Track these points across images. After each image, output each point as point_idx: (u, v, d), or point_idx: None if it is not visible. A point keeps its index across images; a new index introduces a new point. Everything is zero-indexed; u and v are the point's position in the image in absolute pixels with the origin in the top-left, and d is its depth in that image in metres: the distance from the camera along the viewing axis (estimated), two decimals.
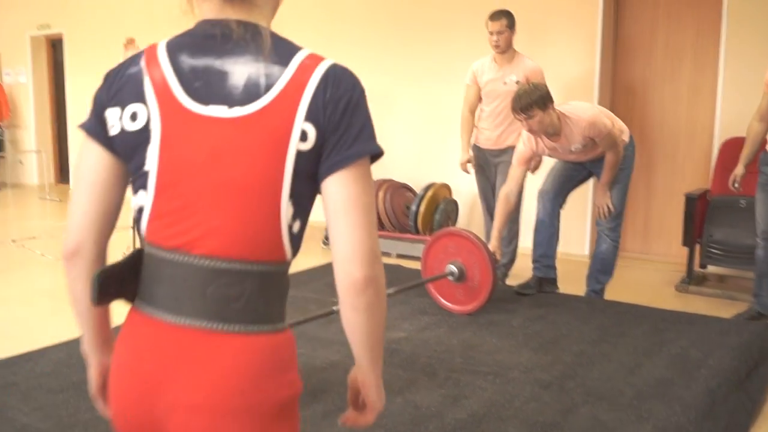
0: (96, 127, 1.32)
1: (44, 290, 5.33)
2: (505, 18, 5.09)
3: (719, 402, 3.13)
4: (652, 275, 5.81)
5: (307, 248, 6.20)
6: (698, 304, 4.95)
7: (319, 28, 7.66)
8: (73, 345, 3.85)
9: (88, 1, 9.89)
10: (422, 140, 7.04)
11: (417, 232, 6.18)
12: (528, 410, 3.04)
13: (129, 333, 1.33)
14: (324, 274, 5.34)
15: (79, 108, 10.27)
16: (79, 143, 1.39)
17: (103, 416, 1.49)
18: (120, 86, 1.29)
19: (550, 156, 4.67)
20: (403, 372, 3.45)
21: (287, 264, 1.33)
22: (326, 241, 6.64)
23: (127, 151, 1.27)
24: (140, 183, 1.27)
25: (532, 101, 4.14)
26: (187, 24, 1.38)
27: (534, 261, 4.89)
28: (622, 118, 6.25)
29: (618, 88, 6.27)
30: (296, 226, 1.30)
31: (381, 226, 6.38)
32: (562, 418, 2.96)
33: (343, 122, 1.22)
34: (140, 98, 1.26)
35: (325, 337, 3.78)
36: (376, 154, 1.26)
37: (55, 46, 11.09)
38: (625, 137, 4.56)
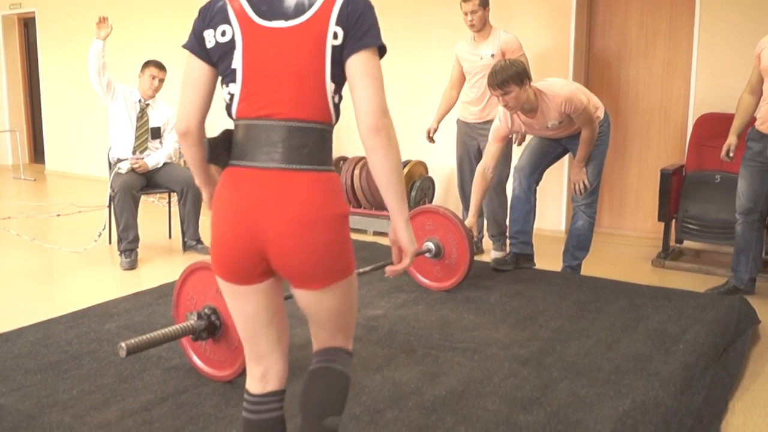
0: (196, 46, 1.92)
1: (20, 270, 5.27)
2: None
3: (697, 377, 3.13)
4: (629, 250, 5.83)
5: None
6: (675, 279, 4.98)
7: None
8: (49, 325, 3.82)
9: None
10: (398, 118, 6.86)
11: None
12: (506, 386, 3.01)
13: (231, 180, 1.90)
14: None
15: (52, 87, 10.11)
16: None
17: None
18: (212, 15, 1.88)
19: (526, 133, 4.65)
20: (381, 349, 3.42)
21: (332, 126, 1.93)
22: None
23: (219, 57, 1.88)
24: (230, 78, 1.89)
25: (508, 77, 4.10)
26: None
27: (510, 237, 4.88)
28: (597, 93, 6.22)
29: (593, 62, 6.26)
30: (337, 98, 1.90)
31: (357, 203, 6.33)
32: (541, 394, 2.94)
33: (358, 23, 1.84)
34: (226, 21, 1.86)
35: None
36: (381, 47, 1.89)
37: (27, 25, 10.92)
38: (600, 113, 4.53)
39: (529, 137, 4.94)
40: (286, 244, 1.84)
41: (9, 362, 3.31)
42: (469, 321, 3.82)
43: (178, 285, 3.21)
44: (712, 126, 4.81)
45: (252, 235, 1.85)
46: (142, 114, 5.63)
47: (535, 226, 6.29)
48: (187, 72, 1.97)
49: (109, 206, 5.64)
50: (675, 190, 5.26)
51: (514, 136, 5.20)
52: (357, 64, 1.85)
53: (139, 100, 5.64)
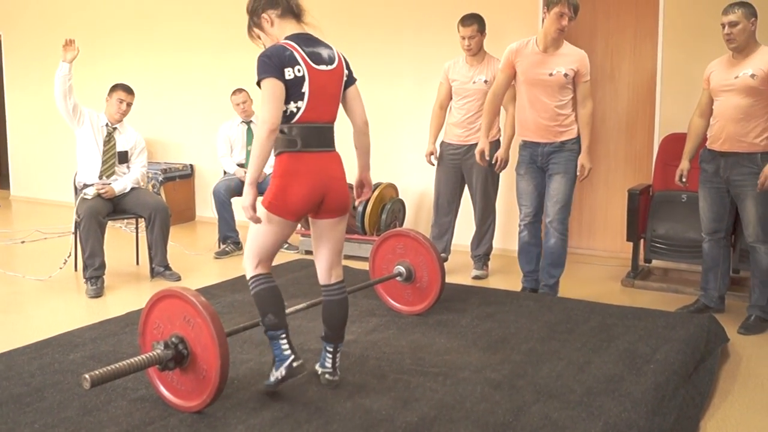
0: (279, 75, 2.93)
1: None
2: (476, 23, 5.35)
3: (668, 396, 3.14)
4: (598, 271, 5.85)
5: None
6: (644, 299, 5.00)
7: None
8: (12, 356, 3.72)
9: (26, 3, 9.61)
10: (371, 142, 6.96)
11: (364, 232, 6.12)
12: (479, 411, 2.99)
13: (302, 159, 3.03)
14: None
15: (17, 110, 9.94)
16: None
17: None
18: (287, 59, 2.96)
19: (522, 78, 4.70)
20: (352, 376, 3.38)
21: None
22: None
23: (292, 85, 2.96)
24: (299, 97, 2.98)
25: (578, 5, 4.49)
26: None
27: (524, 276, 5.02)
28: None
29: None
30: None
31: None
32: (514, 418, 2.93)
33: (350, 68, 3.22)
34: (298, 63, 2.97)
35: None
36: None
37: None
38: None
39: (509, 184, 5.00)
40: (338, 189, 3.13)
41: None
42: (440, 345, 3.80)
43: (144, 313, 3.15)
44: (678, 146, 4.86)
45: (322, 187, 3.06)
46: (110, 138, 5.56)
47: (505, 246, 6.37)
48: (273, 91, 2.93)
49: (75, 232, 5.55)
50: (642, 210, 5.30)
51: (497, 163, 5.27)
52: (354, 90, 3.23)
53: (107, 124, 5.57)
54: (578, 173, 4.66)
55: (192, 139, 8.31)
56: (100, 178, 5.50)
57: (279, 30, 3.09)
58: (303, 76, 2.96)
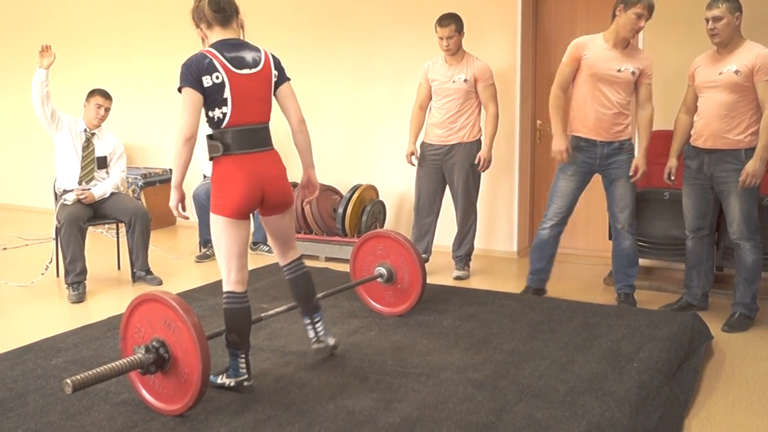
0: (196, 85, 3.02)
1: None
2: (453, 23, 5.31)
3: (652, 395, 3.14)
4: (580, 270, 5.86)
5: None
6: None
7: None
8: None
9: (2, 10, 9.55)
10: (347, 142, 6.96)
11: (345, 234, 6.11)
12: (462, 411, 2.99)
13: (238, 161, 3.12)
14: (252, 279, 5.18)
15: None
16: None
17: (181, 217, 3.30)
18: (205, 67, 3.04)
19: (589, 72, 4.60)
20: (334, 377, 3.37)
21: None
22: (253, 246, 6.51)
23: (213, 92, 3.04)
24: (221, 103, 3.06)
25: (653, 5, 4.46)
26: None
27: (531, 273, 4.94)
28: (546, 111, 6.24)
29: (540, 80, 6.33)
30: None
31: (308, 229, 6.28)
32: (497, 418, 2.92)
33: (280, 67, 3.30)
34: (216, 70, 3.04)
35: (254, 344, 3.66)
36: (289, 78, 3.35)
37: None
38: None
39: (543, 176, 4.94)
40: (277, 187, 3.22)
41: None
42: (422, 346, 3.79)
43: (124, 318, 3.14)
44: (660, 143, 4.86)
45: (260, 186, 3.14)
46: (88, 144, 5.53)
47: (486, 247, 6.37)
48: (189, 100, 3.04)
49: (56, 238, 5.51)
50: None
51: (482, 162, 5.27)
52: (285, 89, 3.33)
53: (85, 130, 5.54)
54: (630, 173, 4.62)
55: (171, 144, 8.23)
56: (80, 183, 5.47)
57: (212, 40, 3.21)
58: (222, 82, 3.04)
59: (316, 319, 3.53)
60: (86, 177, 5.50)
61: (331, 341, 3.56)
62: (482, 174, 5.55)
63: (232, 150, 3.10)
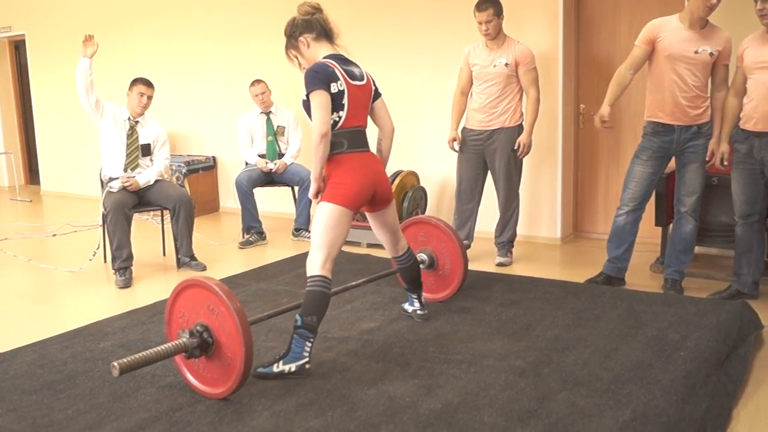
0: (327, 87, 3.29)
1: (17, 291, 5.25)
2: (492, 7, 5.24)
3: (699, 384, 3.08)
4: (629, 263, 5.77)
5: (277, 240, 6.18)
6: None
7: (282, 19, 7.53)
8: (45, 345, 3.82)
9: (48, 2, 9.71)
10: None
11: None
12: (503, 398, 2.97)
13: (354, 158, 3.43)
14: (294, 265, 5.26)
15: (44, 108, 10.08)
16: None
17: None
18: (331, 75, 3.34)
19: (665, 54, 4.51)
20: (376, 363, 3.38)
21: None
22: (296, 233, 6.54)
23: (336, 98, 3.34)
24: (339, 108, 3.36)
25: None
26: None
27: (609, 260, 4.88)
28: (588, 98, 6.25)
29: (583, 63, 6.23)
30: None
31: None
32: (539, 405, 2.90)
33: (376, 84, 3.68)
34: (339, 78, 3.36)
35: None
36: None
37: (18, 47, 10.91)
38: None
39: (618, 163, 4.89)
40: (385, 182, 3.58)
41: (5, 383, 3.31)
42: (464, 332, 3.78)
43: (169, 303, 3.18)
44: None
45: (373, 180, 3.47)
46: (132, 132, 5.59)
47: (529, 233, 6.32)
48: (322, 101, 3.29)
49: (103, 225, 5.60)
50: (671, 194, 5.20)
51: (521, 147, 5.23)
52: (380, 102, 3.69)
53: (128, 118, 5.60)
54: (707, 157, 4.54)
55: (213, 131, 8.34)
56: (125, 171, 5.54)
57: (314, 51, 3.49)
58: (344, 90, 3.37)
59: (420, 295, 4.00)
60: (131, 164, 5.57)
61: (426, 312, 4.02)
62: (524, 159, 5.49)
63: (346, 148, 3.40)
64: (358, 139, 3.46)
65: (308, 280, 3.29)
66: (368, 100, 3.56)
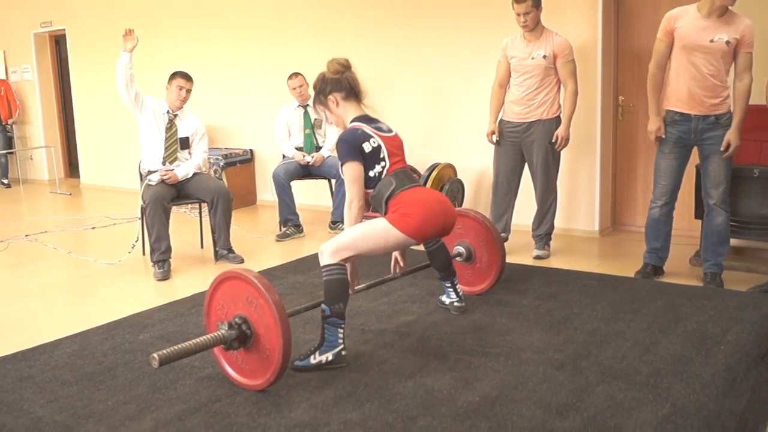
0: (358, 156, 3.40)
1: (57, 283, 5.32)
2: None
3: (740, 379, 3.04)
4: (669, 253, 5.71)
5: (314, 232, 6.20)
6: None
7: (319, 13, 7.57)
8: (85, 336, 3.88)
9: None
10: (426, 121, 6.94)
11: None
12: (541, 391, 2.96)
13: (410, 193, 3.42)
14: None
15: (84, 102, 10.24)
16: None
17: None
18: (361, 136, 3.42)
19: (681, 43, 4.50)
20: (413, 356, 3.38)
21: None
22: (332, 225, 6.57)
23: (373, 154, 3.43)
24: (380, 161, 3.44)
25: None
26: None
27: (649, 251, 4.89)
28: (627, 88, 6.18)
29: (623, 55, 6.17)
30: None
31: None
32: (577, 399, 2.88)
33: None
34: (371, 137, 3.43)
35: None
36: None
37: (58, 42, 11.09)
38: None
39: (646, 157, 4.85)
40: (449, 209, 3.52)
41: (46, 374, 3.35)
42: (501, 325, 3.77)
43: (208, 295, 3.21)
44: (748, 118, 4.68)
45: (438, 209, 3.43)
46: (171, 125, 5.65)
47: (566, 226, 6.28)
48: (353, 173, 3.40)
49: (141, 218, 5.66)
50: None
51: (558, 140, 5.20)
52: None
53: (168, 111, 5.66)
54: (722, 148, 4.49)
55: (251, 124, 8.40)
56: (164, 164, 5.60)
57: (342, 110, 3.54)
58: (379, 146, 3.44)
59: (455, 282, 3.99)
60: (170, 157, 5.62)
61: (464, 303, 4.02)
62: (562, 151, 5.45)
63: (398, 187, 3.43)
64: (405, 177, 3.48)
65: (323, 270, 3.30)
66: (402, 147, 3.61)
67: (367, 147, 3.42)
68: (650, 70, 4.64)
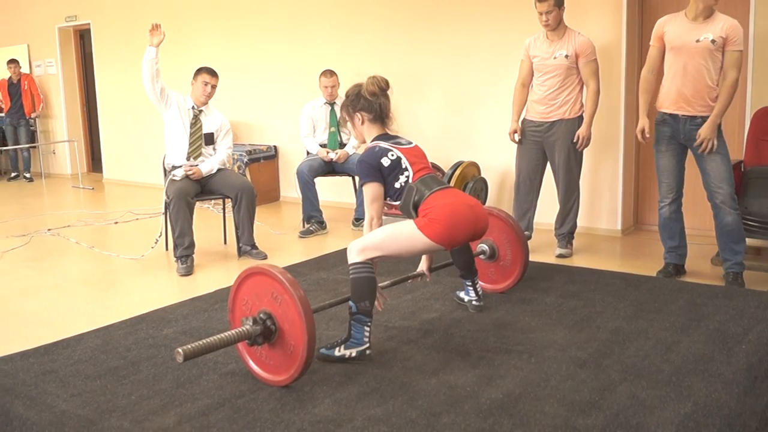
0: (377, 175, 3.48)
1: (80, 278, 5.36)
2: None
3: (761, 378, 3.04)
4: (687, 249, 5.69)
5: (337, 229, 6.23)
6: None
7: (344, 13, 7.58)
8: (108, 331, 3.90)
9: None
10: (449, 119, 6.95)
11: None
12: (564, 389, 2.97)
13: (440, 196, 3.40)
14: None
15: (108, 97, 10.32)
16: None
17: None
18: (378, 152, 3.49)
19: (669, 45, 4.59)
20: (437, 353, 3.40)
21: None
22: (356, 222, 6.59)
23: (394, 167, 3.48)
24: (402, 172, 3.48)
25: None
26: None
27: (668, 251, 4.92)
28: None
29: (647, 55, 6.14)
30: None
31: None
32: (600, 397, 2.89)
33: None
34: (389, 150, 3.50)
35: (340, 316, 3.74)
36: None
37: (83, 36, 11.18)
38: None
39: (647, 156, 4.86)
40: (482, 214, 3.51)
41: (69, 368, 3.36)
42: (524, 323, 3.78)
43: (233, 290, 3.23)
44: (766, 120, 4.67)
45: (469, 212, 3.41)
46: (196, 120, 5.69)
47: (589, 225, 6.27)
48: (372, 193, 3.49)
49: (165, 213, 5.71)
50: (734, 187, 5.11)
51: (580, 139, 5.20)
52: None
53: (192, 107, 5.70)
54: (695, 143, 4.52)
55: (275, 121, 8.44)
56: (188, 159, 5.64)
57: (366, 130, 3.64)
58: (399, 158, 3.50)
59: (476, 281, 3.99)
60: (194, 153, 5.67)
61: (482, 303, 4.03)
62: (585, 150, 5.45)
63: (428, 190, 3.44)
64: (432, 181, 3.49)
65: (350, 268, 3.34)
66: (424, 156, 3.64)
67: (386, 161, 3.48)
68: (642, 74, 4.78)
